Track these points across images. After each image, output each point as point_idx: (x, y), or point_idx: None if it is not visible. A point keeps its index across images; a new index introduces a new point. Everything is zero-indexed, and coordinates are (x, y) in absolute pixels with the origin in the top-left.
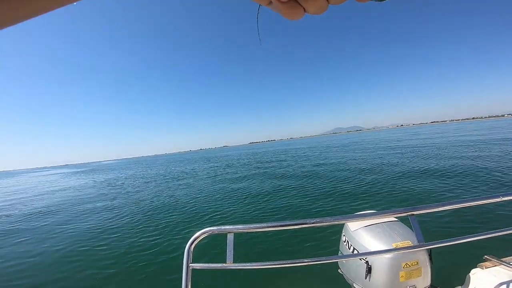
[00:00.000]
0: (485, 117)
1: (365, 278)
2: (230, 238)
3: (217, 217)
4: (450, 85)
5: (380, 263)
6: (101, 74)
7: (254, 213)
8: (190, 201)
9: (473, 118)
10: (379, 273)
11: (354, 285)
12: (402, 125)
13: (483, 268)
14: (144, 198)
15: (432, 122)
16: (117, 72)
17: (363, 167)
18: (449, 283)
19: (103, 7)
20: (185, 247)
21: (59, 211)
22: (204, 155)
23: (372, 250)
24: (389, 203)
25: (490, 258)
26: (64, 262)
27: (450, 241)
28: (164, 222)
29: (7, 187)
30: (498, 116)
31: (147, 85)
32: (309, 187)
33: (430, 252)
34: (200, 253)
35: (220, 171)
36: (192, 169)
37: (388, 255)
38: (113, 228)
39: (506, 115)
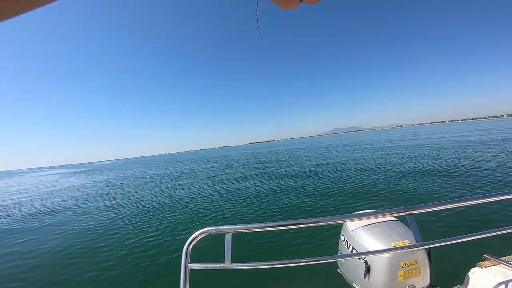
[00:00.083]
0: (485, 118)
1: (364, 277)
2: (228, 238)
3: (217, 217)
4: (449, 86)
5: (379, 263)
6: (101, 74)
7: (254, 213)
8: (190, 202)
9: (472, 119)
10: (378, 272)
11: (353, 284)
12: (401, 126)
13: (482, 267)
14: (144, 199)
15: (431, 123)
16: (117, 72)
17: (363, 168)
18: (448, 283)
19: (104, 5)
20: (183, 247)
21: (59, 211)
22: (203, 155)
23: (371, 249)
24: (389, 203)
25: (490, 257)
26: (65, 264)
27: (449, 240)
28: (164, 223)
29: (6, 187)
30: (497, 116)
31: (147, 85)
32: (309, 187)
33: (429, 252)
34: (198, 254)
35: (219, 172)
36: (191, 170)
37: (387, 255)
38: (113, 228)
39: (506, 115)
